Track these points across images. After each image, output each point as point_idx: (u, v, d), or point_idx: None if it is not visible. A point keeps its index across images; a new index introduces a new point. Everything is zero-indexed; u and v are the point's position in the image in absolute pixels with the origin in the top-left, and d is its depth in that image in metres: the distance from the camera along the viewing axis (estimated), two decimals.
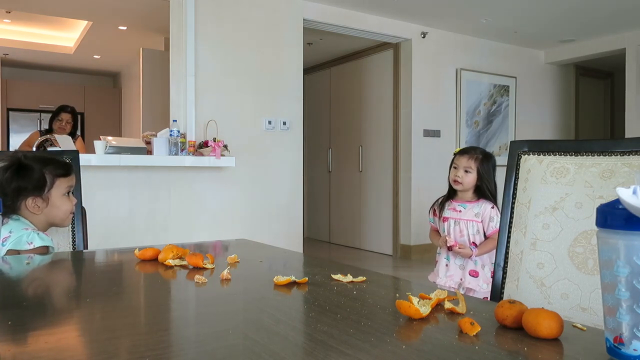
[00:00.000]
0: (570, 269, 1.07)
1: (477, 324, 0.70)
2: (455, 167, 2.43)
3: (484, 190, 2.40)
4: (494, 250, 2.33)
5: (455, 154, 2.49)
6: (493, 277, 1.25)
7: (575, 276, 1.06)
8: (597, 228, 0.60)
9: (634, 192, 0.54)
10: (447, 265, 2.40)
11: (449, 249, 2.36)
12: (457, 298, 0.83)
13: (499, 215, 2.29)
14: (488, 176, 2.40)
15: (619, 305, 0.57)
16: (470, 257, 2.32)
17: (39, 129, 4.55)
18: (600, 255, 0.60)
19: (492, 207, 2.37)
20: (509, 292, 1.20)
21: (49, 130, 4.39)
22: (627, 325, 0.57)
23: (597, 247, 0.61)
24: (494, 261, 2.34)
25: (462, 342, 0.67)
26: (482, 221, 2.37)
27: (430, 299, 0.82)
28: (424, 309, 0.76)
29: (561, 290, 1.08)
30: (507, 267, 1.22)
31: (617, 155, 1.08)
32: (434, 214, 2.53)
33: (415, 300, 0.77)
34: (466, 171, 2.38)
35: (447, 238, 2.36)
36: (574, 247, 1.08)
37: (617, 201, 0.57)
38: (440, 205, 2.50)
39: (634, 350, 0.56)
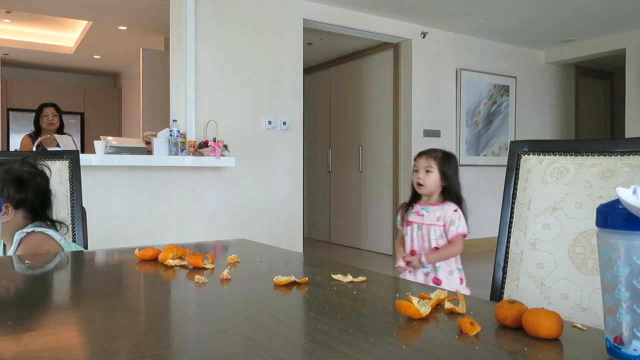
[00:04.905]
0: (570, 269, 1.07)
1: (477, 324, 0.70)
2: (416, 171, 2.32)
3: (450, 192, 2.28)
4: (457, 256, 2.26)
5: (415, 159, 2.38)
6: (493, 277, 1.25)
7: (575, 276, 1.06)
8: (597, 228, 0.60)
9: (634, 192, 0.54)
10: (410, 272, 2.29)
11: (407, 263, 2.27)
12: (457, 298, 0.83)
13: (462, 219, 2.23)
14: (451, 173, 2.28)
15: (619, 305, 0.57)
16: (420, 267, 2.22)
17: (27, 133, 4.47)
18: (600, 255, 0.60)
19: (455, 210, 2.25)
20: (509, 292, 1.20)
21: (37, 132, 4.33)
22: (627, 325, 0.57)
23: (597, 247, 0.61)
24: (459, 267, 2.29)
25: (462, 342, 0.67)
26: (444, 225, 2.25)
27: (430, 299, 0.82)
28: (424, 309, 0.76)
29: (561, 290, 1.08)
30: (507, 267, 1.22)
31: (617, 155, 1.08)
32: (402, 217, 2.40)
33: (415, 300, 0.77)
34: (427, 171, 2.27)
35: (399, 262, 2.28)
36: (574, 247, 1.08)
37: (617, 201, 0.57)
38: (405, 208, 2.38)
39: (634, 350, 0.56)
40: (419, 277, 2.28)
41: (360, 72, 6.21)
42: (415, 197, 2.38)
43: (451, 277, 2.26)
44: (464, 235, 2.25)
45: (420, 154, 2.36)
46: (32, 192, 1.52)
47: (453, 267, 2.28)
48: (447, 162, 2.31)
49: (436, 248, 2.26)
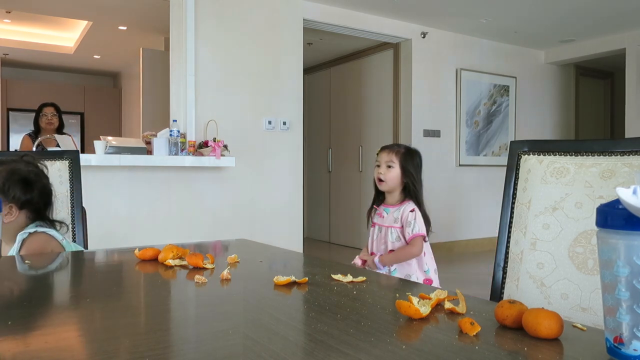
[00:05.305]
0: (570, 269, 1.07)
1: (477, 324, 0.70)
2: (377, 166, 2.24)
3: (410, 190, 2.20)
4: (423, 257, 2.18)
5: (377, 153, 2.29)
6: (493, 277, 1.25)
7: (575, 276, 1.06)
8: (597, 228, 0.60)
9: (634, 192, 0.54)
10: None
11: (363, 264, 2.23)
12: (457, 298, 0.83)
13: (419, 219, 2.15)
14: (413, 170, 2.20)
15: (619, 305, 0.57)
16: (375, 268, 2.16)
17: (27, 133, 4.51)
18: (600, 255, 0.60)
19: (412, 211, 2.16)
20: (509, 292, 1.20)
21: (37, 131, 4.35)
22: (627, 325, 0.57)
23: (597, 247, 0.61)
24: (426, 269, 2.22)
25: (462, 342, 0.67)
26: (402, 226, 2.17)
27: (430, 299, 0.82)
28: (424, 309, 0.76)
29: (561, 290, 1.08)
30: (507, 267, 1.22)
31: (617, 155, 1.08)
32: (370, 218, 2.34)
33: (415, 300, 0.77)
34: (388, 166, 2.19)
35: (355, 259, 2.24)
36: (574, 247, 1.08)
37: (617, 201, 0.57)
38: (370, 210, 2.33)
39: (634, 350, 0.56)
40: None
41: (360, 72, 6.21)
42: (379, 197, 2.31)
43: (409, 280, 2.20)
44: (424, 237, 2.17)
45: (383, 149, 2.28)
46: (38, 193, 1.53)
47: (413, 271, 2.18)
48: (409, 158, 2.22)
49: (392, 250, 2.20)
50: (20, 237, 1.47)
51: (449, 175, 5.80)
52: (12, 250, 1.47)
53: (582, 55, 6.33)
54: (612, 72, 7.48)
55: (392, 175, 2.19)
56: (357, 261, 2.26)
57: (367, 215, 2.37)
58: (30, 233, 1.48)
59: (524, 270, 1.16)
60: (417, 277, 2.21)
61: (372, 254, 2.28)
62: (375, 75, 6.00)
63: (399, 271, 2.19)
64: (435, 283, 2.25)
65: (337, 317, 0.77)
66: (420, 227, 2.16)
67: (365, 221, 2.43)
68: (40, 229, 1.50)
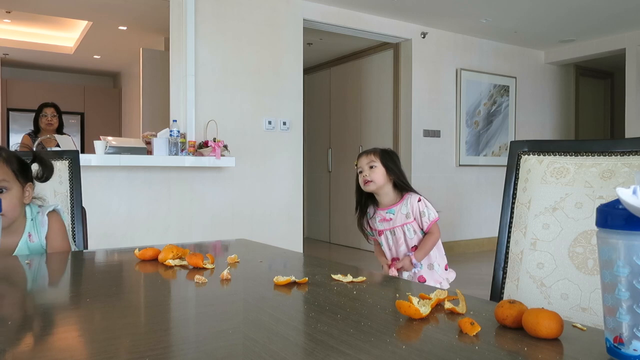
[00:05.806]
0: (570, 269, 1.07)
1: (477, 324, 0.70)
2: (360, 172, 2.26)
3: (399, 183, 2.23)
4: (439, 243, 2.22)
5: (356, 163, 2.33)
6: (493, 277, 1.25)
7: (575, 276, 1.06)
8: (597, 228, 0.60)
9: (634, 192, 0.54)
10: (397, 277, 2.24)
11: (398, 270, 2.22)
12: (457, 298, 0.83)
13: (429, 205, 2.19)
14: (394, 166, 2.23)
15: (619, 305, 0.57)
16: (412, 268, 2.17)
17: (26, 132, 4.52)
18: (600, 255, 0.60)
19: (419, 201, 2.20)
20: (509, 292, 1.20)
21: (36, 131, 4.35)
22: (627, 325, 0.57)
23: (597, 247, 0.61)
24: (444, 253, 2.26)
25: (462, 342, 0.67)
26: (415, 219, 2.20)
27: (430, 299, 0.82)
28: (424, 309, 0.76)
29: (561, 290, 1.08)
30: (507, 267, 1.22)
31: (617, 155, 1.08)
32: (370, 227, 2.32)
33: (415, 300, 0.77)
34: (371, 167, 2.21)
35: (386, 269, 2.23)
36: (574, 247, 1.08)
37: (617, 201, 0.57)
38: (366, 218, 2.31)
39: (634, 350, 0.56)
40: (408, 279, 2.23)
41: (360, 72, 6.21)
42: (365, 204, 2.31)
43: (432, 271, 2.21)
44: (437, 219, 2.22)
45: (360, 155, 2.31)
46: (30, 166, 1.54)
47: (433, 259, 2.23)
48: (387, 156, 2.25)
49: (415, 247, 2.21)
50: (43, 218, 1.47)
51: (449, 175, 5.80)
52: (41, 232, 1.46)
53: (582, 55, 6.33)
54: (612, 72, 7.48)
55: (377, 174, 2.21)
56: (394, 272, 2.23)
57: (360, 228, 2.35)
58: (49, 213, 1.48)
59: (524, 270, 1.16)
60: (439, 263, 2.24)
61: (393, 259, 2.26)
62: (375, 75, 6.00)
63: (424, 266, 2.22)
64: (448, 268, 2.30)
65: (337, 317, 0.77)
66: (433, 212, 2.20)
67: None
68: (51, 208, 1.50)
